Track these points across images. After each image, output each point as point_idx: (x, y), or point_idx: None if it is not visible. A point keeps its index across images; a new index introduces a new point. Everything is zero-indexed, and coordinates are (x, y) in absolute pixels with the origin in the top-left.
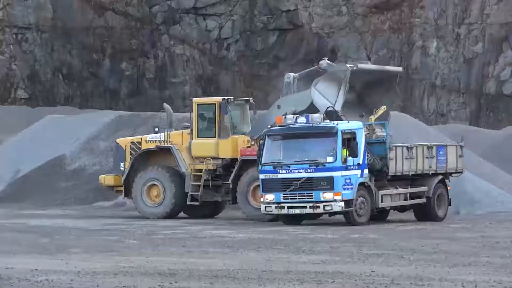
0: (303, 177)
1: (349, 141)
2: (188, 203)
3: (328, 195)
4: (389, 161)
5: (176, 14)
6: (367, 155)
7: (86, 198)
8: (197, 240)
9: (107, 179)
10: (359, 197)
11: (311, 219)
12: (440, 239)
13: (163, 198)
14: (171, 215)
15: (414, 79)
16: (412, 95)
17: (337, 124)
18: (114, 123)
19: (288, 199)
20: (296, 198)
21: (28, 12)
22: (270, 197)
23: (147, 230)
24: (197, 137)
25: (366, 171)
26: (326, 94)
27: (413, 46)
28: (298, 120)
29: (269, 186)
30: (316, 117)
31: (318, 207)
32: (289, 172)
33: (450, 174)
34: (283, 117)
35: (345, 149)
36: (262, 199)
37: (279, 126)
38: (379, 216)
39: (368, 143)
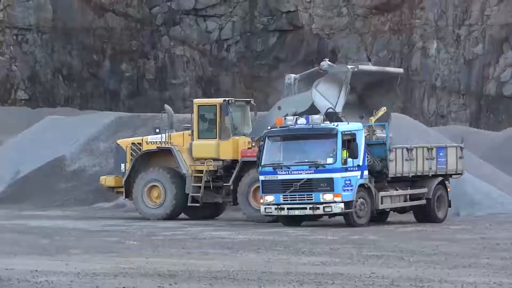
0: (303, 179)
1: (349, 142)
2: (189, 204)
3: (328, 197)
4: (389, 163)
5: (176, 15)
6: (367, 157)
7: (86, 199)
8: (197, 241)
9: (108, 180)
10: (359, 198)
11: (311, 220)
12: (440, 240)
13: (164, 199)
14: (172, 216)
15: (414, 80)
16: (412, 96)
17: (337, 126)
18: (114, 124)
19: (288, 200)
20: (296, 200)
21: (28, 13)
22: (270, 198)
23: (147, 231)
24: (198, 138)
25: (366, 172)
26: (327, 95)
27: (413, 47)
28: (298, 122)
29: (269, 187)
30: (316, 118)
31: (318, 208)
32: (289, 174)
33: (450, 175)
34: (283, 118)
35: (345, 151)
36: (262, 201)
37: (279, 127)
38: (379, 217)
39: (368, 145)
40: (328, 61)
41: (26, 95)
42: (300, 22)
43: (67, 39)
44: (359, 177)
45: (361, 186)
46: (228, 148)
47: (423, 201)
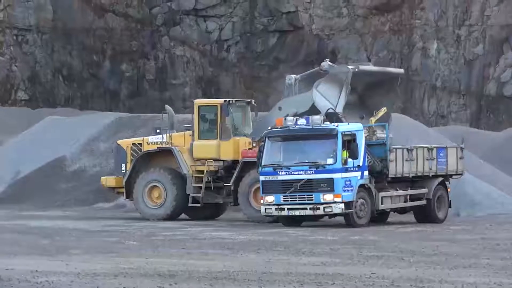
0: (303, 179)
1: (349, 143)
2: (190, 204)
3: (328, 197)
4: (389, 163)
5: (176, 15)
6: (367, 157)
7: (86, 199)
8: (197, 242)
9: (109, 181)
10: (359, 199)
11: (311, 221)
12: (440, 241)
13: (165, 199)
14: (172, 216)
15: (414, 80)
16: (412, 96)
17: (337, 126)
18: (114, 125)
19: (288, 200)
20: (296, 200)
21: (28, 14)
22: (270, 198)
23: (147, 231)
24: (199, 138)
25: (366, 173)
26: (327, 96)
27: (413, 47)
28: (298, 122)
29: (269, 187)
30: (316, 119)
31: (318, 208)
32: (289, 174)
33: (451, 176)
34: (284, 118)
35: (345, 151)
36: (262, 201)
37: (280, 127)
38: (379, 218)
39: (368, 145)
40: (329, 61)
41: (26, 96)
42: (300, 23)
43: (67, 40)
44: (359, 177)
45: (361, 186)
46: (229, 149)
47: (423, 202)
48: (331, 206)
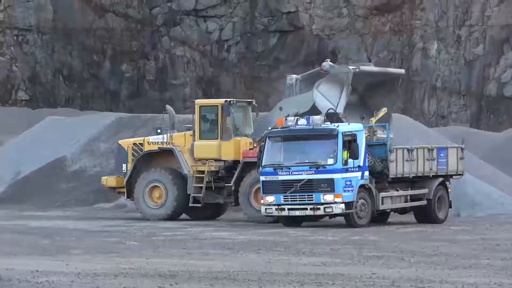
0: (303, 179)
1: (350, 143)
2: (190, 205)
3: (329, 197)
4: (390, 163)
5: (176, 16)
6: (368, 157)
7: (87, 199)
8: (198, 242)
9: (109, 181)
10: (359, 199)
11: (312, 221)
12: (441, 241)
13: (165, 199)
14: (173, 216)
15: (414, 81)
16: (412, 97)
17: (337, 126)
18: (115, 125)
19: (288, 201)
20: (296, 200)
21: (28, 14)
22: (270, 199)
23: (148, 231)
24: (200, 139)
25: (366, 173)
26: (328, 96)
27: (413, 48)
28: (299, 122)
29: (269, 188)
30: (317, 119)
31: (319, 209)
32: (289, 174)
33: (451, 176)
34: (284, 119)
35: (345, 151)
36: (262, 201)
37: (280, 128)
38: (379, 218)
39: (368, 145)
40: (329, 61)
41: (27, 96)
42: (301, 23)
43: (67, 40)
44: (359, 177)
45: (362, 186)
46: (230, 149)
47: (424, 202)
48: (332, 206)
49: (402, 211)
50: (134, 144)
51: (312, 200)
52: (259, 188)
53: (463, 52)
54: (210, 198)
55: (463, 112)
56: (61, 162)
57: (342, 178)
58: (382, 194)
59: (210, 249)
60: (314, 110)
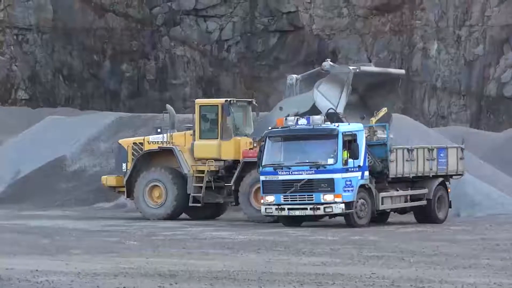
0: (303, 179)
1: (350, 143)
2: (190, 204)
3: (329, 197)
4: (390, 163)
5: (176, 15)
6: (368, 157)
7: (87, 199)
8: (198, 242)
9: (109, 180)
10: (359, 199)
11: (312, 221)
12: (441, 241)
13: (165, 199)
14: (173, 216)
15: (414, 81)
16: (412, 97)
17: (338, 126)
18: (115, 125)
19: (288, 200)
20: (296, 200)
21: (28, 13)
22: (270, 198)
23: (147, 231)
24: (200, 138)
25: (366, 173)
26: (328, 96)
27: (414, 48)
28: (299, 122)
29: (269, 187)
30: (317, 119)
31: (319, 209)
32: (289, 174)
33: (451, 176)
34: (284, 118)
35: (345, 151)
36: (262, 201)
37: (280, 127)
38: (379, 218)
39: (368, 145)
40: (330, 61)
41: (27, 95)
42: (301, 23)
43: (67, 39)
44: (359, 177)
45: (362, 186)
46: (230, 149)
47: (424, 202)
48: (332, 206)
49: (402, 211)
50: (134, 143)
51: (312, 200)
52: (259, 188)
53: (463, 52)
54: (210, 198)
55: (463, 112)
56: (61, 161)
57: (342, 178)
58: (382, 194)
59: (210, 248)
60: (314, 110)
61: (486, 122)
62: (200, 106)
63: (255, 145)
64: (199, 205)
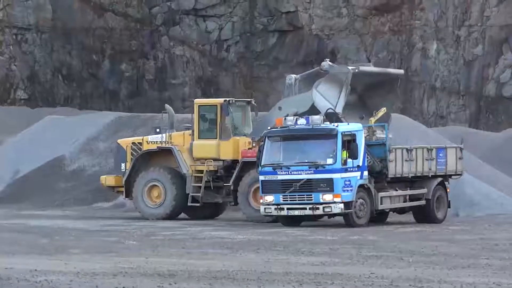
0: (302, 179)
1: (349, 143)
2: (189, 204)
3: (328, 197)
4: (389, 163)
5: (176, 15)
6: (367, 157)
7: (86, 199)
8: (197, 241)
9: (108, 180)
10: (358, 199)
11: (311, 220)
12: (439, 241)
13: (164, 199)
14: (172, 216)
15: (414, 81)
16: (412, 97)
17: (337, 126)
18: (114, 124)
19: (287, 200)
20: (295, 200)
21: (28, 13)
22: (269, 198)
23: (147, 231)
24: (198, 138)
25: (365, 173)
26: (327, 96)
27: (413, 48)
28: (298, 122)
29: (268, 187)
30: (316, 118)
31: (318, 208)
32: (288, 174)
33: (450, 176)
34: (283, 118)
35: (345, 151)
36: (261, 201)
37: (279, 127)
38: (378, 218)
39: (368, 145)
40: (329, 61)
41: (26, 95)
42: (300, 23)
43: (66, 39)
44: (358, 177)
45: (361, 186)
46: (229, 148)
47: (423, 202)
48: (331, 206)
49: (401, 211)
50: (133, 143)
51: (311, 199)
52: (258, 187)
53: (462, 52)
54: (209, 198)
55: (462, 112)
56: (60, 161)
57: (341, 178)
58: (381, 194)
59: (209, 248)
60: (313, 110)
61: (485, 122)
62: (199, 106)
63: (254, 145)
64: (198, 205)
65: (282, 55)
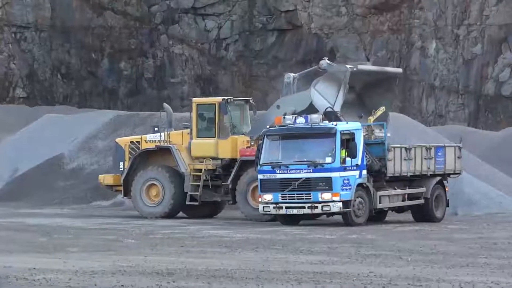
0: (301, 178)
1: (348, 141)
2: (188, 203)
3: (326, 196)
4: (388, 162)
5: (175, 14)
6: (366, 156)
7: (84, 197)
8: (195, 240)
9: (107, 179)
10: (357, 197)
11: (309, 219)
12: (438, 240)
13: (162, 197)
14: (170, 215)
15: (413, 80)
16: (410, 96)
17: (336, 125)
18: (113, 123)
19: (286, 199)
20: (294, 199)
21: (26, 11)
22: (268, 197)
23: (145, 229)
24: (197, 137)
25: (364, 172)
26: (325, 95)
27: (412, 47)
28: (297, 121)
29: (267, 186)
30: (315, 117)
31: (316, 207)
32: (287, 173)
33: (448, 175)
34: (282, 117)
35: (343, 150)
36: (260, 199)
37: (278, 126)
38: (377, 217)
39: (366, 144)
40: (327, 60)
41: (25, 93)
42: (299, 22)
43: (65, 38)
44: (357, 176)
45: (360, 185)
46: (227, 147)
47: (421, 201)
48: (329, 205)
49: (400, 209)
50: (132, 142)
51: (310, 198)
52: (256, 186)
53: (461, 51)
54: (207, 196)
55: (461, 111)
56: (58, 159)
57: (340, 176)
58: (380, 192)
59: (208, 247)
60: (311, 109)
61: (484, 121)
62: (197, 104)
63: (252, 143)
64: (196, 203)
65: (281, 54)
